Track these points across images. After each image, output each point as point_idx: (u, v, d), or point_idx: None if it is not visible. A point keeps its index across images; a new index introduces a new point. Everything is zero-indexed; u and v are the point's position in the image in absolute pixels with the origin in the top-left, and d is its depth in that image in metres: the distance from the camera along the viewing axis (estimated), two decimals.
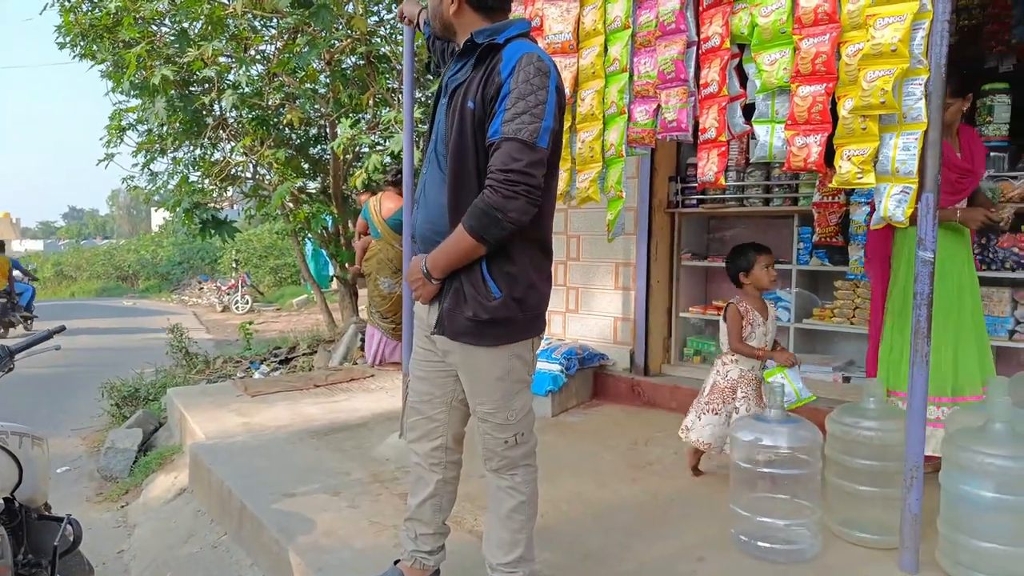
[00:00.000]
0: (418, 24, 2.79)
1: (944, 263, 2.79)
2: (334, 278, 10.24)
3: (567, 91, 2.94)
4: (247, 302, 16.87)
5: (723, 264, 3.22)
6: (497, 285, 1.85)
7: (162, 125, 6.91)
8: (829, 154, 2.34)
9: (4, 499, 2.10)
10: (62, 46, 7.02)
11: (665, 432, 3.84)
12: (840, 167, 2.29)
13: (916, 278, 2.13)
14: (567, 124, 2.98)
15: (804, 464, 2.41)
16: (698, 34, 2.67)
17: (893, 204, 2.17)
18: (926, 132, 2.12)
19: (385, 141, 6.78)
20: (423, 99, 6.81)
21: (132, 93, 6.87)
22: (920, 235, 2.11)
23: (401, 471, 3.27)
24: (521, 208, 1.76)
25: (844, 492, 2.51)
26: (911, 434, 2.17)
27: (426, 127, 2.12)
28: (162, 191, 7.78)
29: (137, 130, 7.60)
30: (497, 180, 1.75)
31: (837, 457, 2.51)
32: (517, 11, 3.18)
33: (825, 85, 2.31)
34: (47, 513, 2.30)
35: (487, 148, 1.80)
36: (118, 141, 7.49)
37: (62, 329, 2.43)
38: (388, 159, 6.27)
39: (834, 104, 2.32)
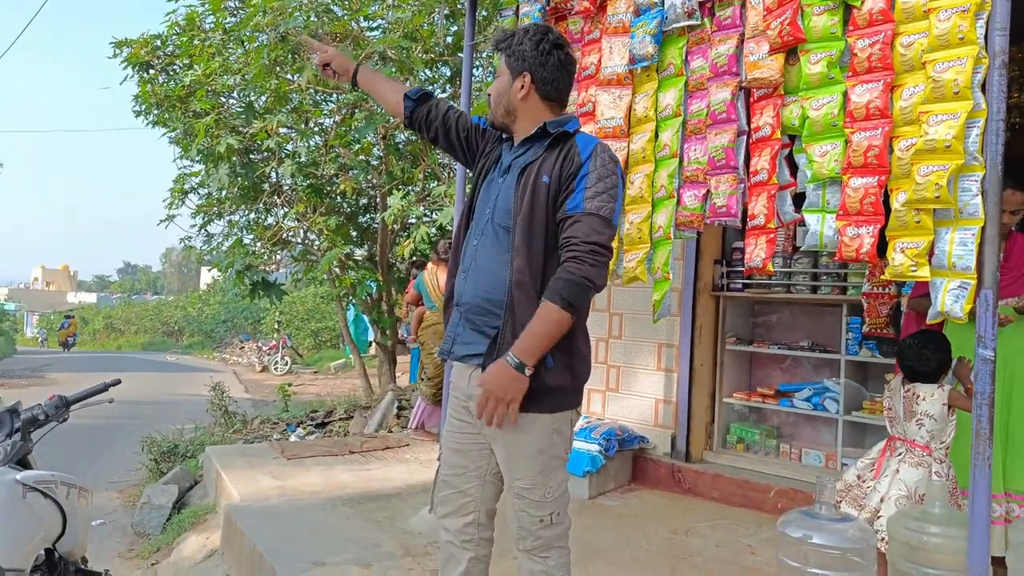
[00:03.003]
0: (355, 82, 2.45)
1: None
2: (373, 343, 10.35)
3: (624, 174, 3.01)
4: (286, 363, 17.08)
5: (784, 350, 3.08)
6: (552, 354, 1.88)
7: (221, 190, 7.24)
8: (882, 245, 2.33)
9: (46, 550, 2.12)
10: (138, 114, 7.49)
11: (707, 522, 3.71)
12: (893, 259, 2.27)
13: (976, 377, 2.07)
14: None
15: (856, 567, 2.29)
16: (749, 124, 2.72)
17: (951, 299, 2.13)
18: (983, 228, 2.10)
19: (432, 213, 6.98)
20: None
21: (197, 159, 7.25)
22: (979, 332, 2.06)
23: (433, 546, 3.21)
24: (603, 277, 1.88)
25: None
26: (974, 543, 2.05)
27: (471, 201, 2.19)
28: (216, 252, 8.08)
29: (198, 193, 7.98)
30: (583, 251, 1.84)
31: (900, 564, 2.37)
32: (570, 96, 3.29)
33: (877, 178, 2.31)
34: (84, 567, 2.31)
35: (559, 221, 1.91)
36: (180, 203, 7.85)
37: (118, 382, 2.49)
38: (434, 231, 6.43)
39: (886, 196, 2.32)
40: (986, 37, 2.09)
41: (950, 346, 2.81)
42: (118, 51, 7.18)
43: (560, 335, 1.85)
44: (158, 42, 7.22)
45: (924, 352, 2.79)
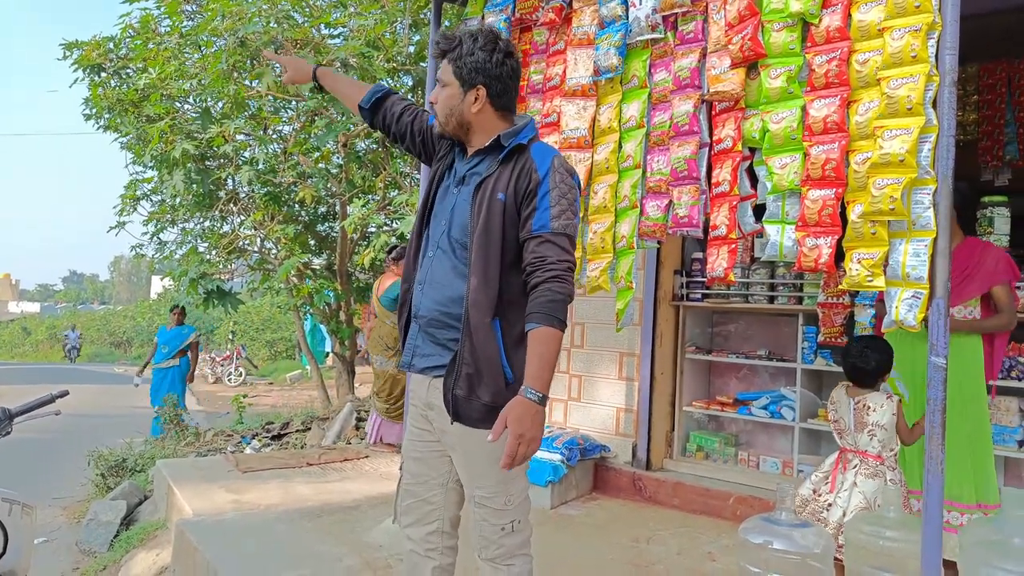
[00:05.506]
0: (319, 87, 2.43)
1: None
2: (330, 354, 10.18)
3: (581, 184, 3.02)
4: (240, 374, 16.71)
5: (742, 359, 3.13)
6: (512, 370, 1.87)
7: (176, 196, 7.06)
8: (839, 255, 2.39)
9: None
10: (88, 118, 7.25)
11: (668, 530, 3.73)
12: (850, 269, 2.33)
13: (929, 383, 2.13)
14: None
15: (816, 572, 2.33)
16: (711, 136, 2.78)
17: (905, 308, 2.19)
18: (935, 240, 2.17)
19: (393, 222, 6.92)
20: None
21: (150, 165, 7.06)
22: (932, 341, 2.12)
23: (394, 558, 3.15)
24: (573, 293, 1.88)
25: None
26: (927, 547, 2.11)
27: (426, 205, 2.15)
28: (169, 260, 7.87)
29: (151, 200, 7.76)
30: (561, 270, 1.84)
31: (857, 568, 2.42)
32: (534, 107, 3.32)
33: (835, 190, 2.38)
34: None
35: (523, 240, 1.88)
36: (131, 210, 7.62)
37: (65, 393, 2.39)
38: (395, 240, 6.37)
39: (843, 208, 2.39)
40: (937, 56, 2.17)
41: (892, 351, 2.90)
42: (68, 53, 6.96)
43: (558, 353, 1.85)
44: (111, 44, 7.02)
45: (865, 351, 2.87)
